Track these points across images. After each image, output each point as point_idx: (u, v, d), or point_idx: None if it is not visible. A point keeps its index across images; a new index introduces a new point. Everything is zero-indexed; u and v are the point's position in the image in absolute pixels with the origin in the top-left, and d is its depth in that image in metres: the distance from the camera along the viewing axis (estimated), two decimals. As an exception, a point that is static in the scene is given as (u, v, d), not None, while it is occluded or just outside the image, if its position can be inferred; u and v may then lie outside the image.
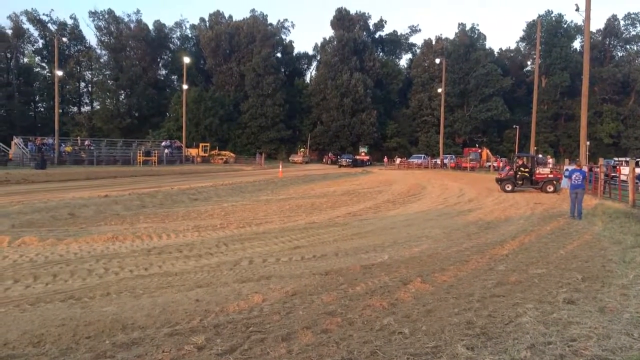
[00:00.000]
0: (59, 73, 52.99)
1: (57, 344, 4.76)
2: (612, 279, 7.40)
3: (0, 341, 4.81)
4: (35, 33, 75.17)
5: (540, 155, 45.27)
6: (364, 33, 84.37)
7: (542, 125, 75.06)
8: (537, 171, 24.76)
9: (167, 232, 11.32)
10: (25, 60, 75.59)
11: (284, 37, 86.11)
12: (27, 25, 73.43)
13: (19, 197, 16.73)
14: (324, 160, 71.55)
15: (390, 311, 5.82)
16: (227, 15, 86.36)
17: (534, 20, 79.17)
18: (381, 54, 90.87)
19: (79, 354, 4.49)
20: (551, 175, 24.60)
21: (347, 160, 60.99)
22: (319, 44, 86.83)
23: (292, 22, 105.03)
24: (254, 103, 74.93)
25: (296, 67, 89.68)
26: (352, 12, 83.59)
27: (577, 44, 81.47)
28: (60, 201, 15.29)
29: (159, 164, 50.69)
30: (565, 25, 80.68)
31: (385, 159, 68.68)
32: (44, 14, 74.99)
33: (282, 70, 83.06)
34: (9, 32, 69.89)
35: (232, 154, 66.56)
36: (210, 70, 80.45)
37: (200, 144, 65.18)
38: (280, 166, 42.13)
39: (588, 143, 30.38)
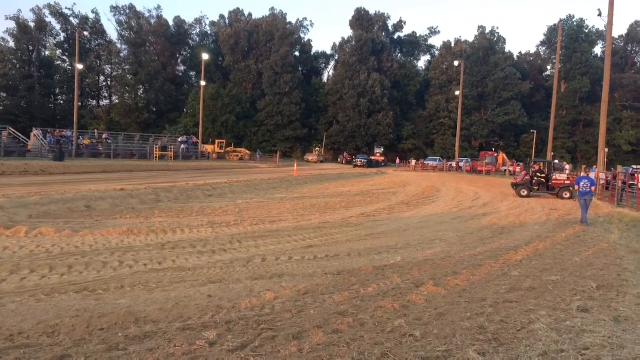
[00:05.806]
0: (80, 66, 53.48)
1: (71, 334, 4.83)
2: (627, 288, 7.31)
3: (15, 330, 4.89)
4: (57, 26, 75.48)
5: (557, 161, 44.85)
6: (383, 34, 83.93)
7: (560, 130, 74.25)
8: (554, 177, 24.55)
9: (181, 227, 11.42)
10: (47, 53, 75.91)
11: (302, 36, 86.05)
12: (49, 19, 73.83)
13: (37, 189, 16.93)
14: (339, 160, 71.48)
15: (402, 313, 5.81)
16: (246, 13, 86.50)
17: (555, 25, 78.21)
18: (399, 55, 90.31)
19: (92, 345, 4.55)
20: (568, 182, 24.35)
21: (362, 160, 60.78)
22: (338, 44, 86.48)
23: (311, 21, 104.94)
24: (270, 101, 75.04)
25: (314, 66, 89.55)
26: (372, 12, 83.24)
27: (598, 50, 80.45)
28: (77, 193, 15.45)
29: (175, 159, 51.06)
30: (586, 31, 79.55)
31: (397, 160, 68.38)
32: (66, 8, 75.60)
33: (300, 69, 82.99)
34: (32, 25, 70.40)
35: (247, 151, 66.66)
36: (228, 67, 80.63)
37: (217, 141, 65.40)
38: (295, 165, 42.17)
39: (607, 150, 29.97)
